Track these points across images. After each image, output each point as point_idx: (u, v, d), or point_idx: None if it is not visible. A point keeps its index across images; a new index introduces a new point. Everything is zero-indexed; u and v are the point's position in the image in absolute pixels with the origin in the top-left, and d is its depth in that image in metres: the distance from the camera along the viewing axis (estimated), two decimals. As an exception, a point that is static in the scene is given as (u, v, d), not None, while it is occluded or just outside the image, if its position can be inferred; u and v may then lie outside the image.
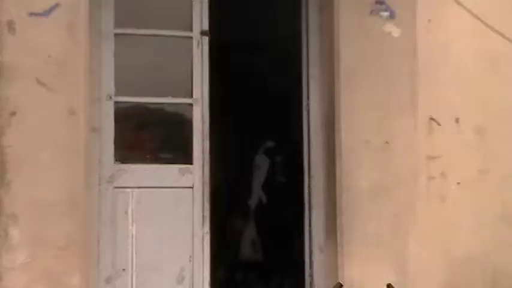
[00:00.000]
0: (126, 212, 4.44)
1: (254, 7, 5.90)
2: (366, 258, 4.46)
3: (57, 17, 4.11)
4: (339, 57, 4.55)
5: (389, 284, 3.58)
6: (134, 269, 4.42)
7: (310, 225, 4.76)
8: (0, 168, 4.01)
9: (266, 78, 6.39)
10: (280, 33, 5.45)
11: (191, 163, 4.53)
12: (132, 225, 4.44)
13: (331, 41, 4.62)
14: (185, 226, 4.49)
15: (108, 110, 4.45)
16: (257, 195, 6.44)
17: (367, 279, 4.27)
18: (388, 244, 4.50)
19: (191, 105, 4.55)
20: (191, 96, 4.56)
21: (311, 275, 4.73)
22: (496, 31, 4.50)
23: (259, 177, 6.48)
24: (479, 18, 4.49)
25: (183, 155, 4.56)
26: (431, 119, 4.75)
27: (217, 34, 4.67)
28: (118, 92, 4.46)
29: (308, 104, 4.80)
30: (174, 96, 4.57)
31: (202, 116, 4.56)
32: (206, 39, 4.57)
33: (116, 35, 4.46)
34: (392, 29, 4.57)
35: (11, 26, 4.06)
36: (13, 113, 4.06)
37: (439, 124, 4.76)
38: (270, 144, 6.42)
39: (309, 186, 4.77)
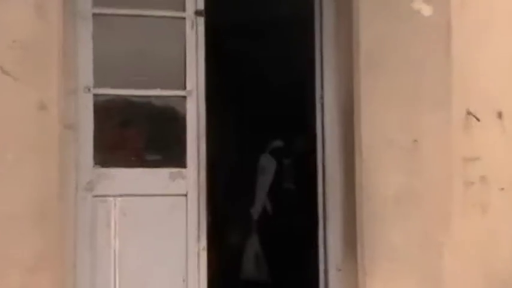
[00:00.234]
0: (107, 225, 4.36)
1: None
2: (391, 276, 4.42)
3: None
4: (359, 40, 4.50)
5: None
6: None
7: (325, 239, 4.72)
8: (-43, 173, 4.00)
9: (272, 67, 6.42)
10: (288, 12, 5.56)
11: (184, 166, 4.47)
12: (115, 240, 4.36)
13: (349, 21, 4.58)
14: (178, 241, 4.43)
15: (86, 104, 4.37)
16: (261, 203, 6.41)
17: None
18: (417, 260, 4.46)
19: (184, 98, 4.50)
20: (184, 87, 4.50)
21: None
22: None
23: (264, 182, 6.44)
24: None
25: (175, 157, 4.52)
26: (469, 113, 4.69)
27: (214, 15, 4.61)
28: (97, 83, 4.39)
29: (322, 96, 4.75)
30: (164, 87, 4.51)
31: (198, 111, 4.49)
32: (202, 20, 4.50)
33: (94, 15, 4.39)
34: (422, 7, 4.50)
35: None
36: None
37: (478, 119, 4.69)
38: (277, 143, 6.40)
39: (324, 193, 4.74)
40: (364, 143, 4.45)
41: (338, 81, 4.70)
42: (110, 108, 4.49)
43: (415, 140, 4.47)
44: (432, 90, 4.52)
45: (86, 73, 4.35)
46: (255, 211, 6.36)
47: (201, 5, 4.48)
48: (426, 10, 4.49)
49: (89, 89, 4.36)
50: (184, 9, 4.47)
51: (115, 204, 4.36)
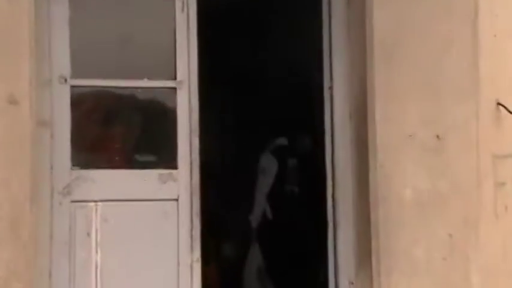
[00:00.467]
0: (88, 234, 4.33)
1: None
2: None
3: None
4: (372, 24, 4.50)
5: None
6: None
7: (335, 249, 4.73)
8: None
9: (275, 54, 6.43)
10: None
11: (175, 167, 4.46)
12: (97, 251, 4.33)
13: (362, 2, 4.58)
14: (168, 252, 4.41)
15: (62, 96, 4.34)
16: (261, 208, 6.39)
17: None
18: (441, 273, 4.45)
19: (174, 89, 4.48)
20: (174, 78, 4.49)
21: None
22: None
23: (263, 184, 6.40)
24: None
25: (165, 157, 4.52)
26: (499, 104, 4.68)
27: None
28: (75, 73, 4.37)
29: (331, 88, 4.76)
30: (151, 78, 4.49)
31: (190, 104, 4.47)
32: (193, 1, 4.49)
33: None
34: None
35: None
36: None
37: (510, 111, 4.69)
38: (281, 141, 6.39)
39: (333, 197, 4.74)
40: (379, 140, 4.46)
41: (349, 71, 4.72)
42: (90, 102, 4.50)
43: (438, 136, 4.49)
44: (457, 79, 4.53)
45: (61, 62, 4.33)
46: (254, 218, 6.35)
47: None
48: None
49: (65, 80, 4.33)
50: None
51: (96, 211, 4.33)
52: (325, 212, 4.77)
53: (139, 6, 4.50)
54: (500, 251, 4.62)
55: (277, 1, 6.11)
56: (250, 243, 6.31)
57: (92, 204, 4.33)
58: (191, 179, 4.45)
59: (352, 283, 4.66)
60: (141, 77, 4.49)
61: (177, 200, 4.43)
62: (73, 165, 4.34)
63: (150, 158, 4.56)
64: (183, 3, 4.48)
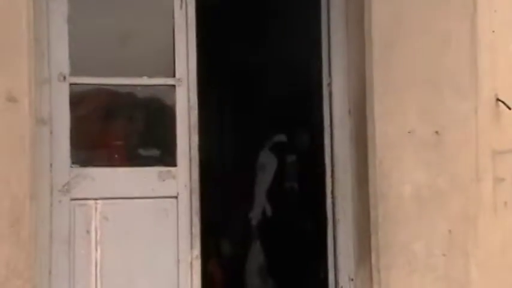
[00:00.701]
0: (87, 232, 4.33)
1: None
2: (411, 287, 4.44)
3: None
4: (371, 19, 4.50)
5: None
6: None
7: (335, 246, 4.73)
8: None
9: (273, 51, 6.43)
10: None
11: (174, 165, 4.46)
12: (96, 249, 4.33)
13: None
14: (168, 249, 4.42)
15: (61, 94, 4.33)
16: (261, 205, 6.37)
17: None
18: (441, 269, 4.46)
19: (173, 87, 4.49)
20: (173, 75, 4.49)
21: None
22: None
23: (263, 181, 6.39)
24: None
25: (164, 154, 4.52)
26: (499, 100, 4.67)
27: None
28: (74, 71, 4.36)
29: (330, 83, 4.76)
30: (150, 75, 4.48)
31: (189, 102, 4.47)
32: None
33: None
34: None
35: None
36: None
37: (509, 108, 4.68)
38: (280, 138, 6.38)
39: (333, 194, 4.74)
40: (378, 136, 4.46)
41: (348, 67, 4.71)
42: (89, 100, 4.50)
43: (437, 132, 4.50)
44: (456, 74, 4.54)
45: (60, 60, 4.32)
46: (255, 215, 6.33)
47: None
48: None
49: (64, 78, 4.32)
50: None
51: (96, 208, 4.33)
52: (324, 209, 4.78)
53: (138, 3, 4.53)
54: (500, 247, 4.63)
55: None
56: (251, 241, 6.30)
57: (92, 202, 4.33)
58: (190, 176, 4.45)
59: (352, 279, 4.66)
60: (140, 75, 4.47)
61: (176, 197, 4.43)
62: (72, 163, 4.34)
63: (150, 155, 4.55)
64: (181, 0, 4.48)
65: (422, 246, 4.43)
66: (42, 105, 4.25)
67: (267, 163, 6.34)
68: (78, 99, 4.38)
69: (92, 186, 4.34)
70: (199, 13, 4.57)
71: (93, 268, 4.31)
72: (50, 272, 4.24)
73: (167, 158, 4.47)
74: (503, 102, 4.68)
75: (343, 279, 4.68)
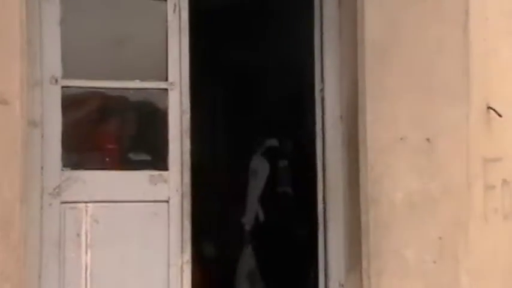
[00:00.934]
0: (78, 235, 4.33)
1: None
2: None
3: None
4: (364, 26, 4.52)
5: None
6: None
7: (325, 251, 4.73)
8: None
9: (266, 55, 6.44)
10: None
11: (166, 169, 4.46)
12: (87, 252, 4.33)
13: (353, 4, 4.59)
14: (158, 253, 4.41)
15: (52, 97, 4.33)
16: (253, 210, 6.37)
17: None
18: (431, 275, 4.47)
19: (166, 90, 4.48)
20: (166, 79, 4.49)
21: None
22: None
23: (255, 186, 6.39)
24: None
25: (156, 158, 4.52)
26: (490, 108, 4.69)
27: None
28: (66, 74, 4.36)
29: (322, 89, 4.76)
30: (143, 79, 4.49)
31: (181, 105, 4.48)
32: (185, 2, 4.50)
33: None
34: None
35: None
36: None
37: (499, 115, 4.68)
38: (272, 143, 6.38)
39: (324, 199, 4.74)
40: (369, 142, 4.46)
41: (340, 73, 4.71)
42: (81, 103, 4.48)
43: (429, 139, 4.50)
44: (448, 81, 4.54)
45: (52, 62, 4.32)
46: (247, 220, 6.33)
47: None
48: None
49: (56, 80, 4.32)
50: None
51: (86, 212, 4.33)
52: (315, 214, 4.77)
53: (131, 7, 4.52)
54: (490, 254, 4.64)
55: (269, 2, 6.09)
56: (243, 246, 6.30)
57: (82, 205, 4.33)
58: (182, 180, 4.45)
59: (342, 285, 4.66)
60: (132, 78, 4.48)
61: (167, 201, 4.43)
62: (64, 165, 4.33)
63: (141, 159, 4.55)
64: (175, 4, 4.49)
65: (413, 252, 4.43)
66: (34, 107, 4.25)
67: (259, 168, 6.35)
68: (70, 102, 4.38)
69: (83, 190, 4.34)
70: (193, 17, 4.50)
71: (83, 271, 4.31)
72: (39, 275, 4.23)
73: (159, 162, 4.47)
74: (494, 110, 4.69)
75: (334, 285, 4.69)
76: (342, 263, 4.66)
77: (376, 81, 4.49)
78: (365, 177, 4.47)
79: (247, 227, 6.34)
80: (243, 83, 6.61)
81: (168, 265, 4.41)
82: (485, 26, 4.70)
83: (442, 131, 4.52)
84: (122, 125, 4.64)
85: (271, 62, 6.34)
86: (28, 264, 4.15)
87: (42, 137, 4.29)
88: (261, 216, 6.32)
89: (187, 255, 4.43)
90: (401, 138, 4.46)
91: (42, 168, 4.28)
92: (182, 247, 4.43)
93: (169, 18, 4.48)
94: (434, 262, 4.46)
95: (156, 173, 4.44)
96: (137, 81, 4.51)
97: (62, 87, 4.34)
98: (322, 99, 4.75)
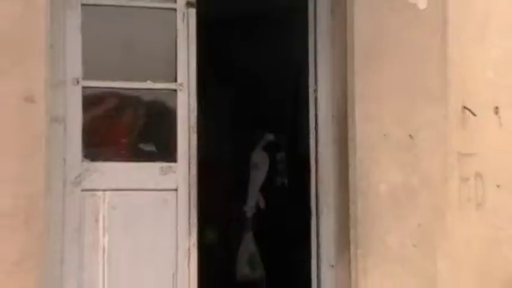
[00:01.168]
0: (96, 220, 4.34)
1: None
2: (385, 275, 4.44)
3: None
4: (353, 33, 4.51)
5: None
6: None
7: (318, 236, 4.73)
8: None
9: (266, 60, 6.38)
10: (282, 4, 5.52)
11: (175, 161, 4.46)
12: (104, 235, 4.34)
13: (344, 14, 4.60)
14: (168, 237, 4.42)
15: (74, 96, 4.34)
16: (254, 200, 6.36)
17: None
18: (412, 259, 4.47)
19: (175, 91, 4.47)
20: (175, 80, 4.48)
21: None
22: None
23: (256, 178, 6.39)
24: None
25: (166, 151, 4.51)
26: (465, 108, 4.69)
27: (206, 4, 4.60)
28: (86, 75, 4.37)
29: (316, 90, 4.75)
30: (154, 80, 4.49)
31: (189, 104, 4.47)
32: (193, 11, 4.49)
33: (83, 5, 4.37)
34: (418, 0, 4.54)
35: None
36: None
37: (474, 114, 4.69)
38: (269, 137, 6.36)
39: (317, 190, 4.75)
40: (358, 139, 4.46)
41: (332, 76, 4.69)
42: (99, 101, 4.47)
43: (410, 136, 4.48)
44: (428, 84, 4.53)
45: (74, 65, 4.32)
46: (249, 208, 6.31)
47: None
48: (421, 3, 4.52)
49: (78, 81, 4.33)
50: (175, 0, 4.46)
51: (104, 199, 4.34)
52: (309, 203, 4.75)
53: (144, 15, 4.47)
54: (464, 239, 4.64)
55: (269, 13, 6.04)
56: (244, 231, 6.29)
57: (100, 193, 4.34)
58: (189, 171, 4.44)
59: (333, 266, 4.66)
60: (145, 80, 4.47)
61: (176, 190, 4.43)
62: (84, 157, 4.34)
63: (153, 152, 4.53)
64: (183, 13, 4.46)
65: (395, 238, 4.44)
66: (57, 105, 4.26)
67: (260, 161, 6.33)
68: (90, 101, 4.38)
69: (101, 179, 4.34)
70: (200, 25, 4.52)
71: (101, 253, 4.32)
72: (61, 257, 4.24)
73: (168, 154, 4.46)
74: (469, 109, 4.68)
75: (325, 266, 4.68)
76: (332, 247, 4.66)
77: (364, 84, 4.48)
78: (353, 171, 4.47)
79: (249, 215, 6.31)
80: (246, 84, 6.54)
81: (177, 247, 4.41)
82: (461, 34, 4.68)
83: (422, 128, 4.51)
84: (136, 121, 4.61)
85: (271, 66, 6.27)
86: (51, 247, 4.16)
87: (65, 131, 4.30)
88: (262, 204, 6.30)
89: (194, 239, 4.43)
90: (385, 135, 4.46)
91: (64, 159, 4.29)
92: (189, 231, 4.43)
93: (179, 26, 4.46)
94: (414, 246, 4.45)
95: (166, 164, 4.43)
96: (149, 82, 4.48)
97: (83, 87, 4.35)
98: (316, 99, 4.75)
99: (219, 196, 5.99)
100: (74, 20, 4.32)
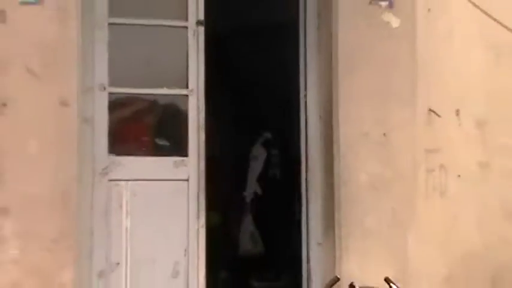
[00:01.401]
0: (120, 205, 4.41)
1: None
2: (364, 252, 4.46)
3: (49, 5, 4.08)
4: (337, 47, 4.53)
5: (387, 277, 3.52)
6: (128, 262, 4.41)
7: (307, 218, 4.76)
8: (-10, 161, 4.00)
9: (263, 68, 6.32)
10: (277, 23, 5.47)
11: (186, 155, 4.51)
12: (127, 218, 4.41)
13: (329, 29, 4.60)
14: (180, 219, 4.48)
15: (101, 100, 4.42)
16: (252, 187, 6.41)
17: (366, 273, 4.28)
18: (386, 238, 4.50)
19: (186, 96, 4.53)
20: (186, 87, 4.54)
21: (308, 269, 4.75)
22: (498, 22, 4.51)
23: (255, 168, 6.43)
24: (480, 8, 4.50)
25: (178, 147, 4.55)
26: (431, 110, 4.69)
27: (212, 22, 4.64)
28: (112, 83, 4.43)
29: (305, 95, 4.78)
30: (169, 87, 4.56)
31: (198, 107, 4.54)
32: (202, 29, 4.55)
33: (109, 24, 4.42)
34: (391, 19, 4.54)
35: (1, 14, 4.01)
36: (4, 104, 4.02)
37: (438, 116, 4.70)
38: (267, 135, 6.38)
39: (306, 180, 4.77)
40: (341, 136, 4.50)
41: (319, 83, 4.72)
42: (123, 105, 4.54)
43: (385, 134, 4.51)
44: (399, 90, 4.56)
45: (101, 74, 4.40)
46: (248, 194, 6.37)
47: (201, 16, 4.53)
48: (394, 22, 4.54)
49: (104, 88, 4.40)
50: (187, 20, 4.52)
51: (126, 188, 4.41)
52: (300, 191, 4.80)
53: (161, 32, 4.52)
54: (430, 221, 4.63)
55: (265, 28, 5.99)
56: (245, 213, 6.35)
57: (124, 182, 4.41)
58: (198, 164, 4.50)
59: (320, 244, 4.69)
60: (161, 86, 4.53)
61: (187, 180, 4.49)
62: (109, 152, 4.41)
63: (167, 148, 4.58)
64: (194, 31, 4.53)
65: (372, 220, 4.47)
66: (87, 108, 4.32)
67: (259, 155, 6.39)
68: (115, 105, 4.45)
69: (124, 171, 4.41)
70: (208, 39, 4.56)
71: (124, 233, 4.40)
72: (91, 236, 4.32)
73: (181, 150, 4.52)
74: (434, 111, 4.68)
75: (313, 244, 4.72)
76: (319, 228, 4.69)
77: (346, 90, 4.50)
78: (338, 163, 4.50)
79: (248, 200, 6.38)
80: (247, 89, 6.49)
81: (188, 228, 4.48)
82: (427, 47, 4.65)
83: (395, 128, 4.53)
84: (153, 122, 4.67)
85: (268, 73, 6.21)
86: (83, 228, 4.26)
87: (93, 131, 4.37)
88: (259, 191, 6.36)
89: (202, 221, 4.49)
90: (364, 134, 4.50)
91: (93, 154, 4.37)
92: (198, 215, 4.49)
93: (190, 41, 4.52)
94: (389, 227, 4.48)
95: (178, 158, 4.49)
96: (165, 88, 4.53)
97: (109, 93, 4.41)
98: (305, 103, 4.78)
99: (224, 185, 5.93)
100: (101, 36, 4.39)
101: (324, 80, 4.67)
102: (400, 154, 4.53)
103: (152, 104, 4.63)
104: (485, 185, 4.89)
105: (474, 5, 4.42)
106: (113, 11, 4.41)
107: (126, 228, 4.40)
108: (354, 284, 3.54)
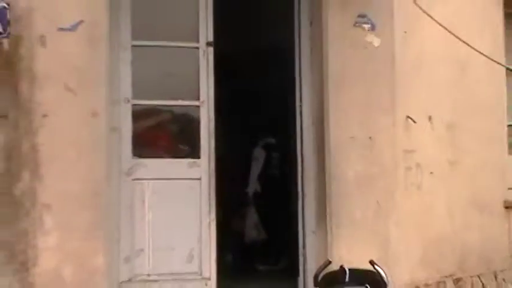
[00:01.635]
0: (143, 201, 4.47)
1: (253, 22, 5.97)
2: (352, 239, 4.50)
3: (82, 31, 4.17)
4: (327, 64, 4.60)
5: (372, 260, 3.57)
6: (150, 249, 4.46)
7: (303, 210, 4.80)
8: (34, 163, 4.07)
9: (265, 83, 6.33)
10: (276, 43, 5.44)
11: (199, 157, 4.56)
12: (148, 212, 4.47)
13: (320, 50, 4.67)
14: (194, 213, 4.52)
15: (126, 111, 4.49)
16: (254, 184, 6.42)
17: (353, 256, 4.28)
18: (371, 227, 4.55)
19: (198, 107, 4.59)
20: (198, 99, 4.60)
21: (304, 253, 4.78)
22: (463, 41, 4.54)
23: (256, 168, 6.43)
24: (448, 30, 4.51)
25: (192, 151, 4.59)
26: (408, 117, 4.78)
27: (221, 44, 4.68)
28: (135, 96, 4.49)
29: (301, 106, 4.83)
30: (183, 99, 4.61)
31: (208, 116, 4.60)
32: (211, 49, 4.62)
33: (132, 46, 4.51)
34: (373, 39, 4.59)
35: (42, 39, 4.11)
36: (45, 115, 4.10)
37: (414, 122, 4.80)
38: (268, 140, 6.39)
39: (302, 177, 4.81)
40: (332, 140, 4.55)
41: (312, 95, 4.77)
42: (144, 115, 4.58)
43: (370, 137, 4.57)
44: (381, 100, 4.62)
45: (126, 89, 4.47)
46: (250, 190, 6.37)
47: (210, 38, 4.59)
48: (376, 42, 4.59)
49: (128, 100, 4.48)
50: (198, 41, 4.58)
51: (148, 186, 4.46)
52: (296, 187, 4.84)
53: (176, 52, 4.57)
54: (408, 211, 4.74)
55: (266, 50, 6.01)
56: (248, 208, 6.36)
57: (145, 181, 4.46)
58: (209, 165, 4.55)
59: (314, 232, 4.72)
60: (177, 98, 4.58)
61: (200, 179, 4.54)
62: (133, 156, 4.47)
63: (182, 151, 4.62)
64: (204, 51, 4.59)
65: (359, 211, 4.52)
66: (114, 118, 4.38)
67: (259, 156, 6.39)
68: (137, 114, 4.50)
69: (146, 171, 4.46)
70: (217, 58, 4.60)
71: (146, 225, 4.45)
72: (118, 227, 4.37)
73: (194, 153, 4.56)
74: (411, 118, 4.79)
75: (308, 232, 4.76)
76: (313, 219, 4.72)
77: (335, 100, 4.56)
78: (329, 163, 4.54)
79: (250, 194, 6.36)
80: (251, 101, 6.50)
81: (200, 221, 4.53)
82: (404, 64, 4.74)
83: (378, 132, 4.58)
84: (170, 128, 4.72)
85: (268, 88, 6.22)
86: (111, 221, 4.30)
87: (119, 137, 4.44)
88: (258, 188, 6.35)
89: (213, 215, 4.53)
90: (352, 137, 4.54)
91: (119, 157, 4.43)
92: (209, 210, 4.53)
93: (200, 60, 4.58)
94: (373, 217, 4.52)
95: (192, 160, 4.54)
96: (179, 100, 4.59)
97: (132, 104, 4.47)
98: (301, 112, 4.83)
99: (231, 183, 5.87)
100: (126, 57, 4.47)
101: (316, 93, 4.71)
102: (383, 154, 4.57)
103: (169, 114, 4.67)
104: (454, 180, 5.01)
105: (442, 26, 4.46)
106: (135, 35, 4.48)
107: (148, 220, 4.45)
108: (344, 266, 3.59)
